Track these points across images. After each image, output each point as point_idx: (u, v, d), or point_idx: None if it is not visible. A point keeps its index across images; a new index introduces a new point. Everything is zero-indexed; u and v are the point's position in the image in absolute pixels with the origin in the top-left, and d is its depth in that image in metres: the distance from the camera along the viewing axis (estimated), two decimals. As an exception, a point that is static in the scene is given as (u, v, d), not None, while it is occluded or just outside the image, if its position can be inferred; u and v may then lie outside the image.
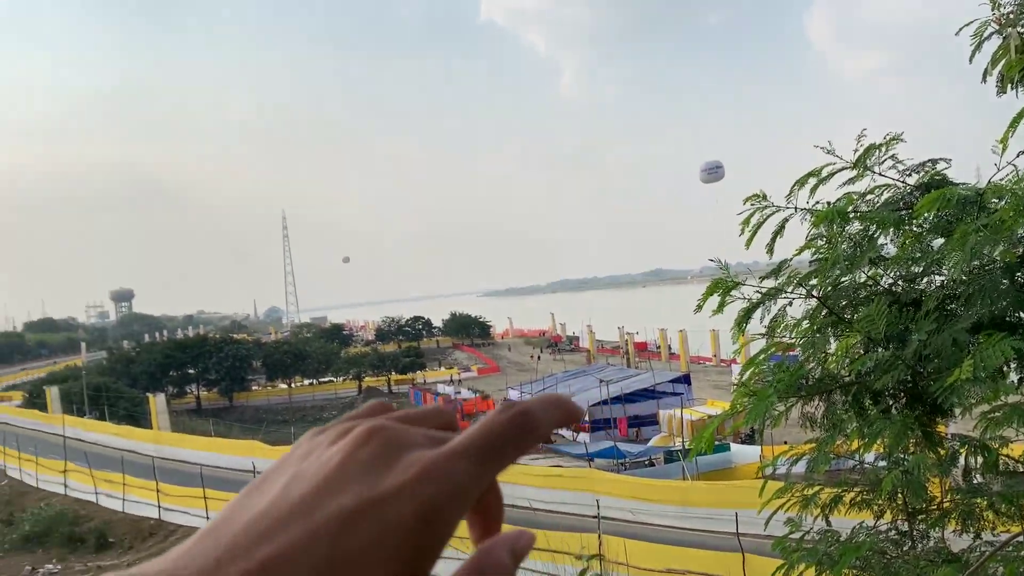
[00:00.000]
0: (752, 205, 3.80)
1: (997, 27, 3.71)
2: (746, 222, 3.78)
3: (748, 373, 3.81)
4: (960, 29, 3.75)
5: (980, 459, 3.94)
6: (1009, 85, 3.61)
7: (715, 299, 3.56)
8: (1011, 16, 3.68)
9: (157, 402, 45.85)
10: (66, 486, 35.02)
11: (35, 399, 57.34)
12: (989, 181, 3.41)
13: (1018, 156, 3.38)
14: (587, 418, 42.71)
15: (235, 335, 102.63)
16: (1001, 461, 3.98)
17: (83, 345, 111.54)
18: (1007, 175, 3.39)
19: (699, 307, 3.62)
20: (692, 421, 35.79)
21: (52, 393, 51.95)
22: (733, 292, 3.56)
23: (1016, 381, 3.47)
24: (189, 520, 27.76)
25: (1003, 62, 3.65)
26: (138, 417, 51.20)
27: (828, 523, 4.43)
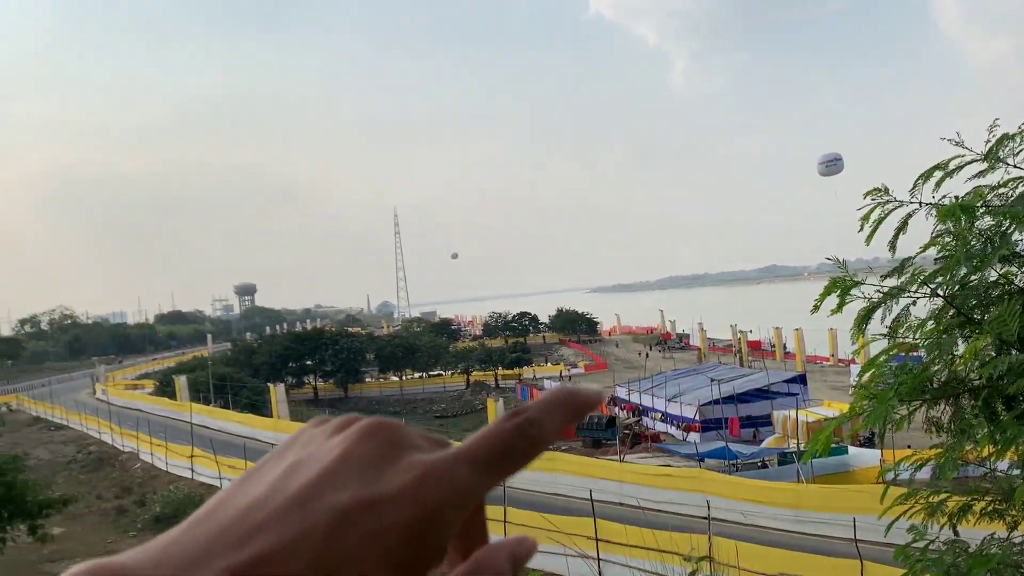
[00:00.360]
0: (873, 200, 3.65)
1: None
2: (866, 218, 3.63)
3: (868, 374, 3.66)
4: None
5: None
6: None
7: (833, 299, 3.43)
8: None
9: (277, 392, 47.68)
10: (193, 470, 36.97)
11: (165, 387, 60.89)
12: None
13: None
14: (697, 417, 42.04)
15: (350, 329, 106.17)
16: None
17: (209, 337, 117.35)
18: None
19: (816, 307, 3.50)
20: (808, 422, 34.68)
21: (180, 382, 54.91)
22: (852, 291, 3.43)
23: None
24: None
25: None
26: (259, 406, 53.55)
27: (956, 533, 4.21)
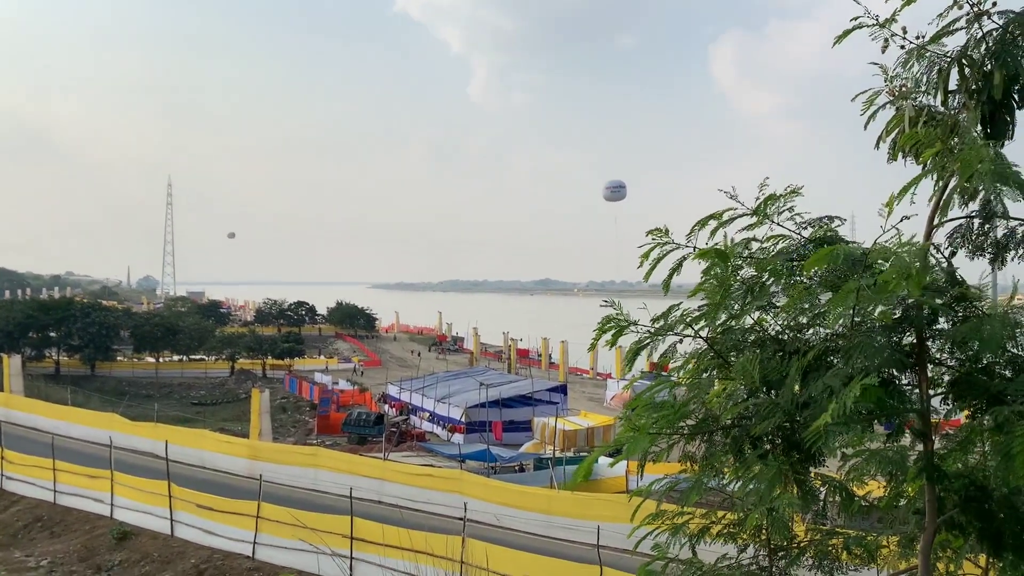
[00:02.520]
0: (653, 239, 3.88)
1: (890, 98, 3.90)
2: (646, 256, 3.86)
3: (634, 409, 3.89)
4: (855, 96, 3.94)
5: (839, 498, 4.15)
6: (900, 154, 3.80)
7: (608, 336, 3.63)
8: (904, 89, 3.88)
9: (12, 363, 43.12)
10: None
11: None
12: (875, 242, 3.59)
13: (901, 221, 3.57)
14: (464, 419, 42.83)
15: (104, 301, 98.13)
16: (858, 502, 4.20)
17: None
18: (891, 238, 3.57)
19: (593, 345, 3.68)
20: (564, 431, 36.36)
21: None
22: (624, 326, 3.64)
23: (885, 436, 3.66)
24: (34, 491, 26.14)
25: (896, 132, 3.85)
26: (-12, 379, 48.05)
27: (694, 552, 4.57)
